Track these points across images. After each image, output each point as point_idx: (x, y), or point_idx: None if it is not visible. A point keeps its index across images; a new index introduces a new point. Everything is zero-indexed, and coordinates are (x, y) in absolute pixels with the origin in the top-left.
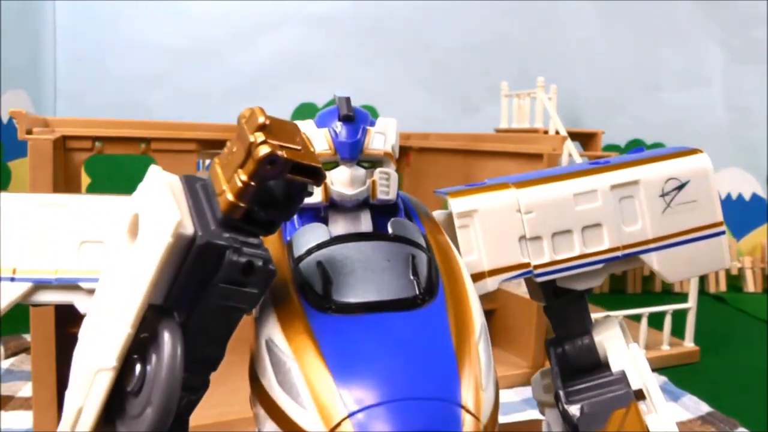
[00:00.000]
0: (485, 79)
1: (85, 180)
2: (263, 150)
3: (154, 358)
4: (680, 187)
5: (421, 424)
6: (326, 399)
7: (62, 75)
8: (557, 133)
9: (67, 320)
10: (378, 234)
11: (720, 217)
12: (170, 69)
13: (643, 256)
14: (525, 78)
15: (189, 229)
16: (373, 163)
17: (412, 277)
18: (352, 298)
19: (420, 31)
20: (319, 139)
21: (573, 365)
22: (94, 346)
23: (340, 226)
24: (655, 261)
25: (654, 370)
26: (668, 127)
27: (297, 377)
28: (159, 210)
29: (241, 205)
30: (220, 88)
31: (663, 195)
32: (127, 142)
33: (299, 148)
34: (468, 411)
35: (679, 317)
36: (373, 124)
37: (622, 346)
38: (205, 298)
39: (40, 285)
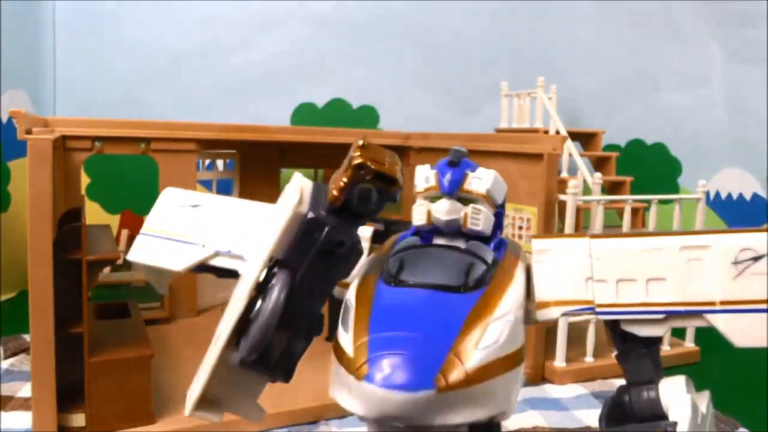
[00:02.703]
0: (485, 79)
1: (85, 180)
2: (357, 160)
3: (268, 296)
4: (756, 258)
5: (411, 349)
6: (360, 329)
7: (62, 75)
8: (557, 132)
9: (67, 321)
10: (452, 246)
11: None
12: (170, 69)
13: (708, 316)
14: (525, 78)
15: (305, 208)
16: (471, 201)
17: (464, 275)
18: (411, 279)
19: (420, 30)
20: (430, 177)
21: (636, 413)
22: (238, 289)
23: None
24: (722, 322)
25: None
26: (668, 127)
27: (351, 317)
28: (288, 197)
29: (340, 197)
30: (220, 88)
31: (736, 263)
32: (127, 141)
33: (385, 164)
34: (455, 354)
35: None
36: (474, 170)
37: (683, 399)
38: (310, 261)
39: (218, 253)
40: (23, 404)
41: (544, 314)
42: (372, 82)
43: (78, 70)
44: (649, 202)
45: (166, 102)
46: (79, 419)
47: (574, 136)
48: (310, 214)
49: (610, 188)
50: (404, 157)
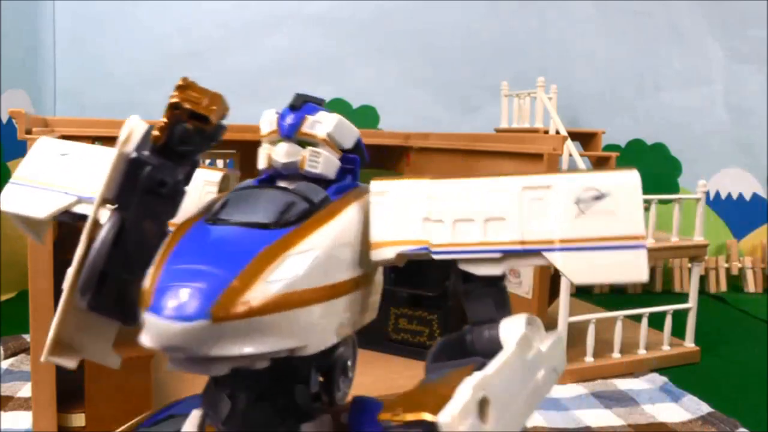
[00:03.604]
0: (485, 79)
1: None
2: (173, 99)
3: (97, 236)
4: (599, 197)
5: (193, 280)
6: (158, 262)
7: (62, 75)
8: (557, 132)
9: None
10: (279, 186)
11: (641, 232)
12: (170, 69)
13: (547, 254)
14: (525, 78)
15: (129, 149)
16: (312, 144)
17: (279, 213)
18: (226, 216)
19: (420, 31)
20: (273, 121)
21: (478, 352)
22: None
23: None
24: (560, 261)
25: (654, 370)
26: (668, 127)
27: (159, 252)
28: (119, 141)
29: (161, 137)
30: (220, 88)
31: (578, 202)
32: None
33: (201, 104)
34: (238, 285)
35: (680, 317)
36: (315, 113)
37: (513, 334)
38: (138, 201)
39: (80, 200)
40: (23, 404)
41: (379, 254)
42: (372, 82)
43: (78, 70)
44: (649, 201)
45: (166, 102)
46: (79, 419)
47: (574, 136)
48: (133, 154)
49: None
50: (404, 157)
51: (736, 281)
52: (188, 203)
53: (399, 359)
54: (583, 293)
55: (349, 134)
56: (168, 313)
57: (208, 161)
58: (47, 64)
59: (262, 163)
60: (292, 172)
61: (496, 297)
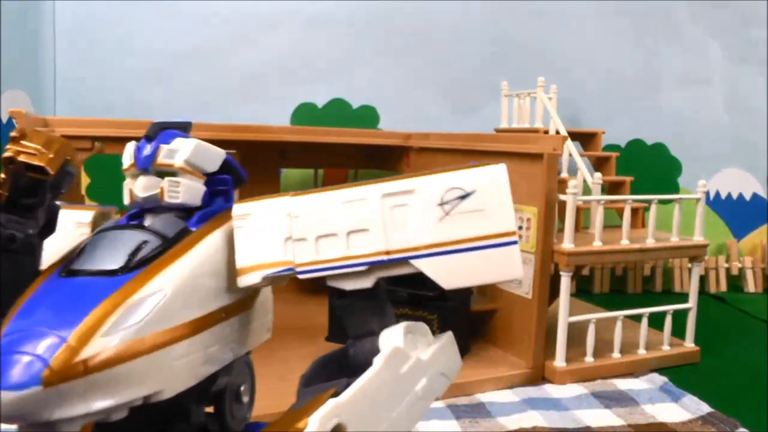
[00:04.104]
0: (485, 79)
1: (85, 180)
2: (6, 153)
3: None
4: (464, 197)
5: (26, 345)
6: (3, 325)
7: (62, 75)
8: (557, 132)
9: None
10: (134, 225)
11: (512, 228)
12: (170, 69)
13: (414, 262)
14: (525, 78)
15: None
16: (172, 174)
17: (128, 256)
18: (77, 266)
19: (420, 30)
20: (129, 153)
21: (361, 366)
22: None
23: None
24: (427, 267)
25: (654, 370)
26: (668, 127)
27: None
28: None
29: (3, 193)
30: (220, 88)
31: (442, 204)
32: (127, 142)
33: (37, 154)
34: (73, 344)
35: (680, 317)
36: (170, 141)
37: (386, 348)
38: None
39: None
40: None
41: (245, 280)
42: (372, 82)
43: (78, 70)
44: (649, 202)
45: (166, 102)
46: None
47: (574, 136)
48: None
49: (610, 188)
50: (404, 157)
51: (736, 281)
52: (63, 248)
53: None
54: (584, 293)
55: (211, 157)
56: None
57: None
58: (47, 64)
59: (126, 199)
60: (154, 205)
61: (373, 309)
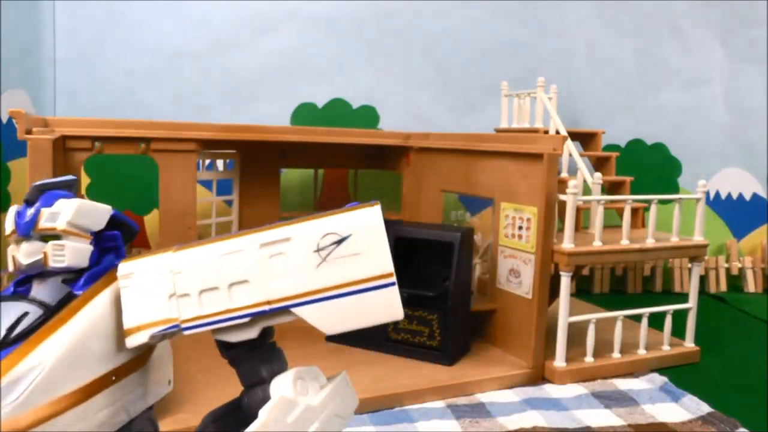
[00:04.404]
0: (485, 79)
1: (85, 180)
2: None
3: None
4: (339, 242)
5: None
6: None
7: (62, 74)
8: (557, 132)
9: None
10: (13, 296)
11: (388, 269)
12: (170, 69)
13: (296, 310)
14: (525, 78)
15: None
16: (56, 237)
17: (4, 332)
18: None
19: (420, 30)
20: (10, 220)
21: (254, 415)
22: None
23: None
24: (309, 314)
25: (654, 370)
26: (668, 127)
27: None
28: None
29: None
30: (220, 88)
31: (318, 250)
32: (127, 141)
33: None
34: None
35: (680, 317)
36: (52, 204)
37: (272, 400)
38: None
39: None
40: None
41: (133, 340)
42: (372, 82)
43: (78, 70)
44: (649, 202)
45: (166, 102)
46: None
47: (574, 136)
48: None
49: (610, 188)
50: (404, 157)
51: (736, 281)
52: None
53: (399, 359)
54: (584, 293)
55: (97, 215)
56: None
57: (207, 162)
58: (47, 64)
59: (10, 266)
60: (39, 270)
61: (262, 357)
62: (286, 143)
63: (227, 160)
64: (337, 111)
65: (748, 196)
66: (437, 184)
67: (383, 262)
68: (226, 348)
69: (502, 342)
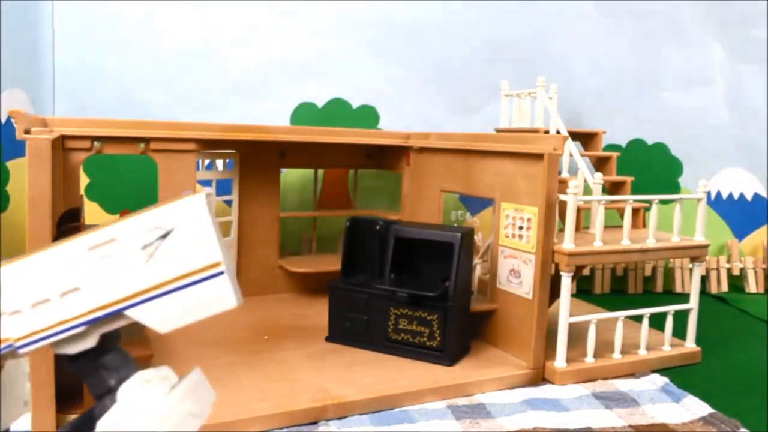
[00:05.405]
0: (485, 79)
1: (84, 180)
2: None
3: None
4: (164, 236)
5: None
6: None
7: (61, 74)
8: (558, 132)
9: None
10: None
11: (216, 258)
12: (170, 69)
13: (128, 312)
14: (525, 78)
15: None
16: None
17: None
18: None
19: (420, 30)
20: None
21: None
22: None
23: None
24: (141, 315)
25: (655, 371)
26: (669, 127)
27: None
28: None
29: None
30: (220, 88)
31: (145, 247)
32: (127, 141)
33: None
34: None
35: (681, 318)
36: None
37: (116, 407)
38: None
39: None
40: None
41: None
42: (372, 82)
43: (77, 70)
44: (649, 202)
45: (166, 102)
46: None
47: (575, 136)
48: None
49: (610, 188)
50: (404, 156)
51: (737, 281)
52: None
53: (399, 359)
54: (584, 293)
55: None
56: None
57: (207, 161)
58: (47, 64)
59: None
60: None
61: (107, 365)
62: (286, 143)
63: (227, 160)
64: (337, 111)
65: (749, 196)
66: (437, 184)
67: (210, 251)
68: (70, 361)
69: (502, 342)
